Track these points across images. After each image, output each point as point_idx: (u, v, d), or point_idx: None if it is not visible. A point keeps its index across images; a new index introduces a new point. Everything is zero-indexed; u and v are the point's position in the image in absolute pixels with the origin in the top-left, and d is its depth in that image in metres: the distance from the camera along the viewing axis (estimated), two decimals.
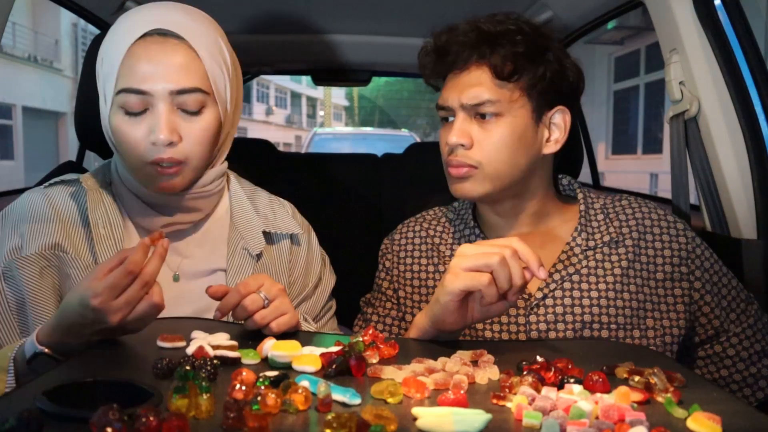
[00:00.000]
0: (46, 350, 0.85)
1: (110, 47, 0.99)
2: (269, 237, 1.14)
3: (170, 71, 0.95)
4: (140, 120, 0.97)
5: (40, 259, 0.99)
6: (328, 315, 1.21)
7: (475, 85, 1.06)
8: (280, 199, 1.23)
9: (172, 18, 0.99)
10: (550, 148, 1.10)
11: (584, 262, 1.09)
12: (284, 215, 1.18)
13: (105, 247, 1.02)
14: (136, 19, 0.99)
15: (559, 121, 1.10)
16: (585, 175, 2.01)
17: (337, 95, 30.81)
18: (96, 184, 1.08)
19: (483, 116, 1.06)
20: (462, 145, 1.06)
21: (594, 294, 1.07)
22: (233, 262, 1.08)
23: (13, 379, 0.87)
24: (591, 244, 1.10)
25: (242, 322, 0.92)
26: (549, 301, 1.07)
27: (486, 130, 1.06)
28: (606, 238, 1.10)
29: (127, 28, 0.98)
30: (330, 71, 2.65)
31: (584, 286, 1.07)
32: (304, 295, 1.16)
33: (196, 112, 0.99)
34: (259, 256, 1.11)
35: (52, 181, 1.09)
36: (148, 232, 1.04)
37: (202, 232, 1.10)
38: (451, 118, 1.10)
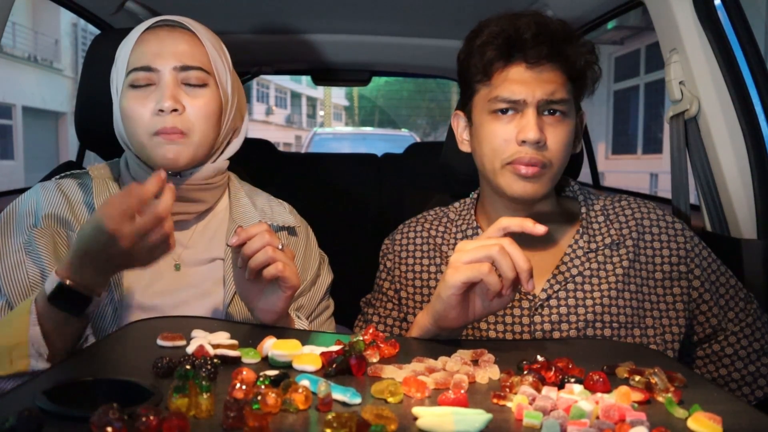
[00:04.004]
0: (67, 282, 0.88)
1: (123, 47, 1.09)
2: None
3: (176, 51, 1.06)
4: (147, 96, 1.05)
5: (53, 233, 1.04)
6: (325, 314, 1.22)
7: (551, 81, 1.04)
8: (279, 200, 1.26)
9: (178, 17, 1.10)
10: (577, 149, 1.13)
11: (586, 264, 1.09)
12: (282, 211, 1.22)
13: None
14: (147, 21, 1.10)
15: (580, 123, 1.13)
16: (585, 175, 2.01)
17: (337, 95, 30.79)
18: (103, 175, 1.15)
19: (550, 113, 1.05)
20: (537, 143, 1.03)
21: (596, 294, 1.07)
22: (230, 251, 1.10)
23: (35, 319, 0.89)
24: (593, 246, 1.11)
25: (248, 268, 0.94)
26: (553, 302, 1.07)
27: (554, 129, 1.05)
28: (607, 241, 1.11)
29: (140, 27, 1.10)
30: (330, 71, 2.64)
31: (587, 287, 1.08)
32: (301, 288, 1.16)
33: (199, 86, 1.07)
34: None
35: (62, 174, 1.15)
36: None
37: (203, 225, 1.15)
38: (509, 112, 1.05)
